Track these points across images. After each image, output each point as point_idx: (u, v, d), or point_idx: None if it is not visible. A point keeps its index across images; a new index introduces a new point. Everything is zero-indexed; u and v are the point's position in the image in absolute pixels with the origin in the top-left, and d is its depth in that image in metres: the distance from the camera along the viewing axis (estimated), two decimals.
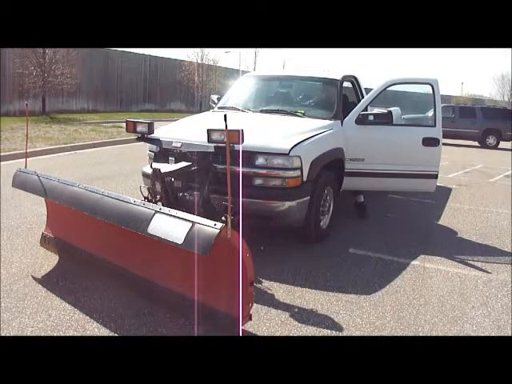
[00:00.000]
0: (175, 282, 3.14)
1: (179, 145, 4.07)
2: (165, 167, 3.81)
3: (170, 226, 2.72)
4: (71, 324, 2.91)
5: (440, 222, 5.87)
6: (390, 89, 5.40)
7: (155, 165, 3.84)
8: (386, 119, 5.17)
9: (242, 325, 2.77)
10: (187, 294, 2.99)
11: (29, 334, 2.77)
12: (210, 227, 2.57)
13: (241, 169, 3.72)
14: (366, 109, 5.25)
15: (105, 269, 3.56)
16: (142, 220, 2.86)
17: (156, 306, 3.19)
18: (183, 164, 3.91)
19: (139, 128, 4.21)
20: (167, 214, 2.81)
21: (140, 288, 3.35)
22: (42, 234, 4.13)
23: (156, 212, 2.85)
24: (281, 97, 5.96)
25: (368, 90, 5.90)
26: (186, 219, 2.70)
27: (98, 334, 2.82)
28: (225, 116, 2.63)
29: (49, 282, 3.49)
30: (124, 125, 4.47)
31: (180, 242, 2.61)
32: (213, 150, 3.82)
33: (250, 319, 2.86)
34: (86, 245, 3.75)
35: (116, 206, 3.11)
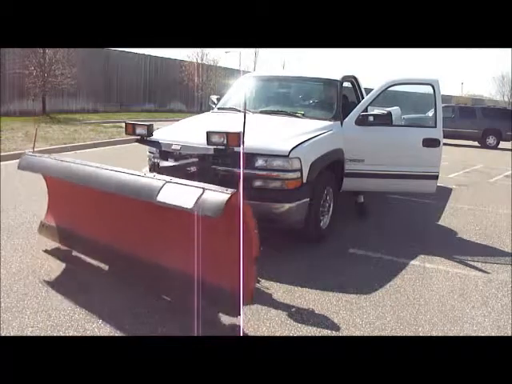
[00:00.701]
0: (186, 264, 3.13)
1: (179, 147, 4.08)
2: (166, 164, 3.86)
3: (180, 193, 2.81)
4: (71, 324, 2.91)
5: (440, 222, 5.87)
6: (390, 89, 5.40)
7: (162, 163, 3.92)
8: (385, 120, 5.16)
9: (244, 304, 2.80)
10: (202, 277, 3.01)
11: (29, 334, 2.77)
12: (221, 192, 2.65)
13: (241, 169, 3.72)
14: (366, 109, 5.25)
15: (109, 255, 3.62)
16: (152, 190, 2.95)
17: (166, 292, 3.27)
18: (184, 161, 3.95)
19: (138, 130, 4.21)
20: (177, 183, 2.91)
21: (148, 274, 3.41)
22: (41, 222, 4.14)
23: (166, 182, 2.94)
24: (280, 97, 5.96)
25: (368, 90, 5.90)
26: (196, 186, 2.80)
27: (98, 334, 2.82)
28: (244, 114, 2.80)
29: (49, 281, 3.49)
30: (124, 125, 4.48)
31: (190, 207, 2.66)
32: (212, 152, 3.82)
33: (252, 300, 2.90)
34: (91, 233, 3.77)
35: (127, 179, 3.20)
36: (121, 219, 3.64)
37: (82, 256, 3.96)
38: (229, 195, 2.61)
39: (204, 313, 3.06)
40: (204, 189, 2.72)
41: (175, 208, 2.80)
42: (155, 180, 3.03)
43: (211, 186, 2.77)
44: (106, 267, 3.78)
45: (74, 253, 4.02)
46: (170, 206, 2.82)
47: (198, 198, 2.66)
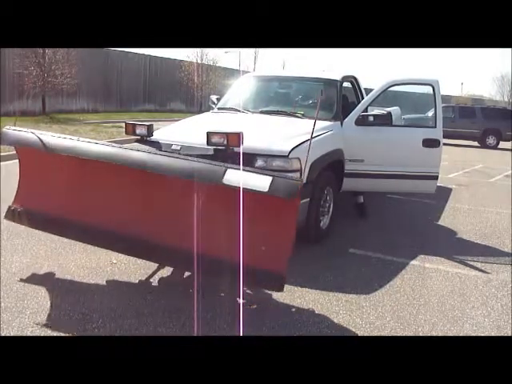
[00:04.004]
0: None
1: (179, 147, 4.07)
2: None
3: (248, 178, 2.92)
4: (71, 324, 2.91)
5: (440, 222, 5.87)
6: (390, 89, 5.40)
7: None
8: (385, 120, 5.17)
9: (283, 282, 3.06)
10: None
11: (29, 334, 2.77)
12: (291, 179, 2.93)
13: (241, 170, 3.72)
14: (366, 110, 5.25)
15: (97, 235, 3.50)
16: (215, 173, 3.03)
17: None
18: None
19: (138, 130, 4.21)
20: (239, 170, 3.02)
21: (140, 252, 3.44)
22: (9, 207, 3.81)
23: (227, 168, 3.02)
24: (280, 97, 5.96)
25: (368, 90, 5.91)
26: (264, 174, 2.99)
27: (98, 334, 2.82)
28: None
29: (49, 281, 3.49)
30: (124, 125, 4.48)
31: (265, 190, 2.82)
32: (212, 152, 3.81)
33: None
34: (75, 215, 3.58)
35: (183, 162, 3.21)
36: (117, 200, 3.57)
37: (83, 255, 3.97)
38: (300, 181, 2.90)
39: (204, 313, 3.07)
40: (273, 176, 2.91)
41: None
42: (216, 166, 3.10)
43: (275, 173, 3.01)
44: (106, 267, 3.78)
45: (74, 253, 4.02)
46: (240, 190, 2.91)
47: (272, 183, 2.84)
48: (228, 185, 2.91)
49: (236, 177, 2.93)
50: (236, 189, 2.86)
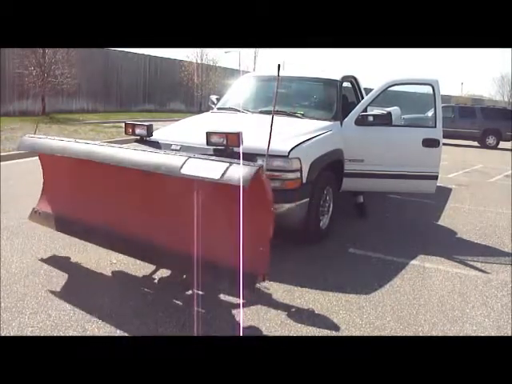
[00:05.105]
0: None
1: (178, 147, 4.08)
2: None
3: (205, 167, 2.85)
4: (71, 324, 2.91)
5: (440, 222, 5.87)
6: (390, 89, 5.40)
7: None
8: (385, 120, 5.17)
9: (258, 282, 2.95)
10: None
11: (29, 334, 2.77)
12: (248, 165, 2.73)
13: (241, 170, 3.72)
14: (365, 110, 5.25)
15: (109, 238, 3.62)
16: (174, 164, 2.97)
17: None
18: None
19: (138, 131, 4.21)
20: (201, 159, 2.96)
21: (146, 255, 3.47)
22: (33, 209, 4.05)
23: (189, 157, 2.97)
24: (280, 97, 5.95)
25: (368, 90, 5.91)
26: (222, 161, 2.86)
27: (98, 334, 2.82)
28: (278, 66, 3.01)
29: (49, 282, 3.49)
30: (123, 125, 4.48)
31: (217, 178, 2.72)
32: (212, 152, 3.81)
33: (264, 279, 2.98)
34: (90, 217, 3.73)
35: (147, 156, 3.24)
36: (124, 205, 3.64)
37: (82, 255, 3.97)
38: (257, 167, 2.71)
39: (204, 312, 3.07)
40: (230, 162, 2.80)
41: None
42: (178, 156, 3.08)
43: (235, 160, 2.84)
44: (105, 267, 3.79)
45: (74, 253, 4.02)
46: (195, 179, 2.88)
47: (226, 170, 2.73)
48: (185, 175, 2.89)
49: (194, 167, 2.87)
50: (193, 178, 2.85)
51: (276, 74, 3.36)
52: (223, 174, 2.70)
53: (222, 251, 2.99)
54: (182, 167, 2.89)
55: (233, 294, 3.29)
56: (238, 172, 2.69)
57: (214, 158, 3.03)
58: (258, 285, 3.56)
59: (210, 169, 2.79)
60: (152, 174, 3.18)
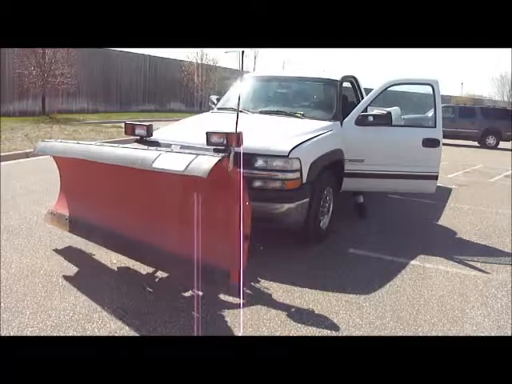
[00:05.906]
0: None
1: (178, 148, 4.07)
2: None
3: (174, 161, 2.90)
4: (71, 324, 2.91)
5: (440, 222, 5.87)
6: (390, 89, 5.40)
7: None
8: (385, 120, 5.17)
9: (234, 282, 2.91)
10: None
11: (29, 334, 2.77)
12: (213, 156, 2.77)
13: (241, 170, 3.73)
14: (365, 110, 5.25)
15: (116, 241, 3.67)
16: (148, 159, 3.05)
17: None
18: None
19: (138, 131, 4.22)
20: (173, 152, 3.04)
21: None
22: (49, 211, 4.12)
23: (162, 152, 3.04)
24: (280, 97, 5.96)
25: (368, 90, 5.91)
26: (190, 153, 2.90)
27: (98, 334, 2.82)
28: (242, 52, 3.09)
29: (49, 281, 3.49)
30: (123, 125, 4.48)
31: (181, 170, 2.76)
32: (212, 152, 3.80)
33: (240, 278, 2.94)
34: (101, 220, 3.78)
35: (127, 152, 3.32)
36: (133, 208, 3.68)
37: (83, 255, 3.97)
38: (219, 158, 2.73)
39: (204, 313, 3.07)
40: (197, 154, 2.84)
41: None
42: (152, 151, 3.17)
43: (208, 152, 2.88)
44: (106, 267, 3.79)
45: (74, 253, 4.02)
46: (163, 172, 2.92)
47: (190, 162, 2.75)
48: (156, 168, 2.94)
49: (164, 161, 2.92)
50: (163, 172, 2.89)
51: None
52: (187, 166, 2.75)
53: (190, 246, 3.00)
54: (154, 161, 2.96)
55: (232, 294, 3.29)
56: (201, 163, 2.74)
57: (187, 151, 3.08)
58: (258, 285, 3.57)
59: (177, 162, 2.85)
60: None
